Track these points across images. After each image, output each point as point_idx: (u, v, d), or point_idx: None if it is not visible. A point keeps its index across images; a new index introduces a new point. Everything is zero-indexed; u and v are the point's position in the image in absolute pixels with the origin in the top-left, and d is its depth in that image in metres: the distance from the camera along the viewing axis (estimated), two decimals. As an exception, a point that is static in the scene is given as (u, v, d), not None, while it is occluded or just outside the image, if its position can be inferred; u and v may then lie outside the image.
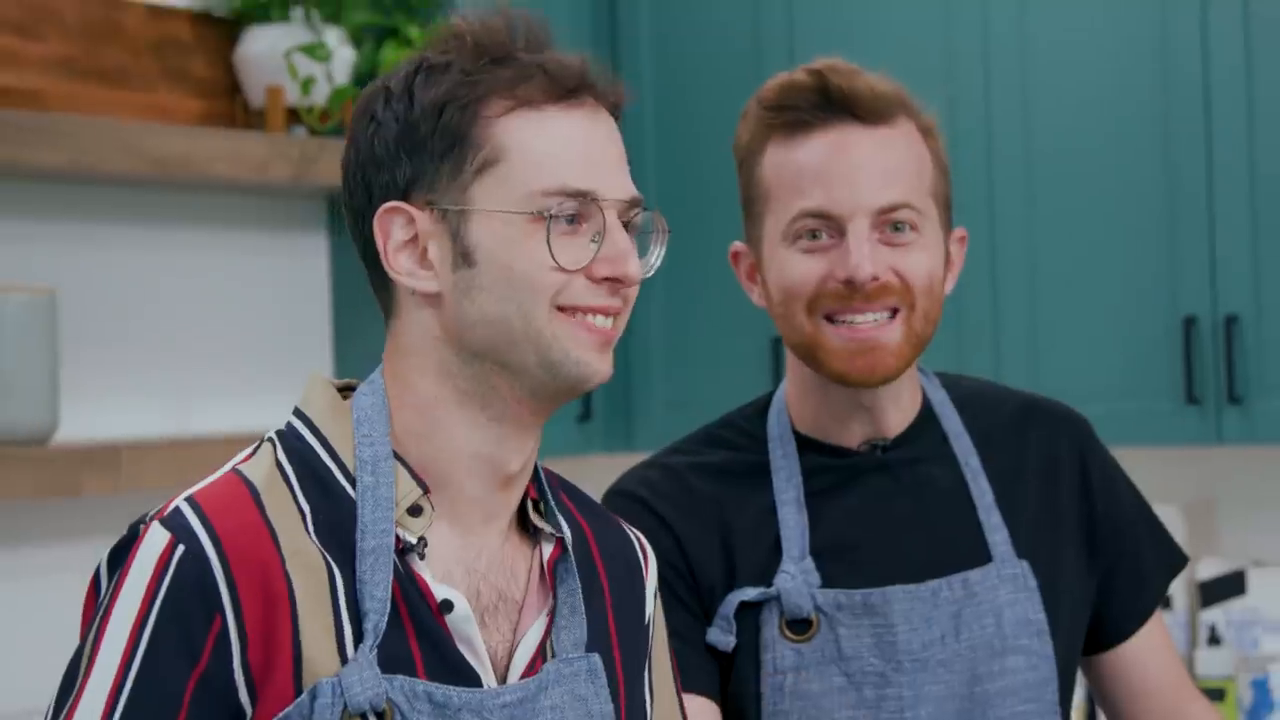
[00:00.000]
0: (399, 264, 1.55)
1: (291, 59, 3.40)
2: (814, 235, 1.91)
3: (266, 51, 3.43)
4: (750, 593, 1.93)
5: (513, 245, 1.52)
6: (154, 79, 3.38)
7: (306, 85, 3.40)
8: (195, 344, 3.41)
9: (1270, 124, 3.40)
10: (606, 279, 1.54)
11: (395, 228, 1.54)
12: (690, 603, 1.94)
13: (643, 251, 1.58)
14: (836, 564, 1.94)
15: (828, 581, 1.93)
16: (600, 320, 1.55)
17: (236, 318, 3.49)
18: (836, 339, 1.91)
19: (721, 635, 1.93)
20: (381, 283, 1.58)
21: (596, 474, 2.16)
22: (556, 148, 1.53)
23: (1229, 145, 3.42)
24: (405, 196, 1.54)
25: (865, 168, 1.90)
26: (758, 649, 1.93)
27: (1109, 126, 3.52)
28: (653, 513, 1.95)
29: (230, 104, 3.51)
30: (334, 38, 3.48)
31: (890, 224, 1.91)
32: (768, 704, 1.92)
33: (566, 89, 1.55)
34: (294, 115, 3.46)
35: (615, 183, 1.55)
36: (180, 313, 3.39)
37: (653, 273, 1.59)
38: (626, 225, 1.56)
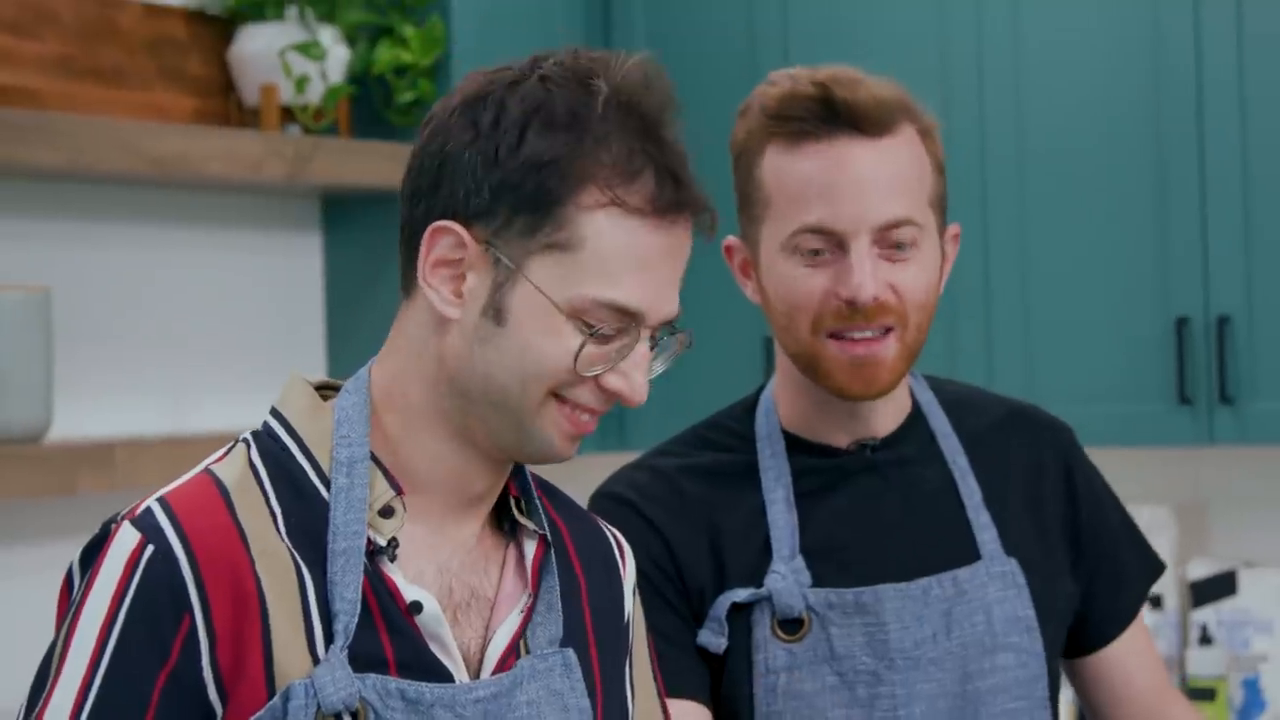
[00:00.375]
0: (433, 278, 1.53)
1: (286, 58, 3.41)
2: (815, 250, 1.91)
3: (261, 50, 3.44)
4: (741, 594, 1.93)
5: (543, 331, 1.51)
6: (149, 78, 3.39)
7: (301, 84, 3.41)
8: (190, 342, 3.42)
9: (1262, 124, 3.41)
10: (610, 391, 1.54)
11: (444, 245, 1.53)
12: (679, 606, 1.94)
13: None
14: (827, 563, 1.94)
15: (818, 581, 1.93)
16: (585, 417, 1.56)
17: (231, 316, 3.50)
18: (838, 354, 1.91)
19: (713, 637, 1.93)
20: (410, 267, 1.56)
21: (588, 473, 2.16)
22: (628, 263, 1.51)
23: (1221, 145, 3.43)
24: (467, 219, 1.52)
25: (868, 184, 1.89)
26: (749, 650, 1.93)
27: (1102, 127, 3.53)
28: (641, 516, 1.95)
29: (225, 102, 3.51)
30: (328, 36, 3.48)
31: (891, 240, 1.90)
32: (761, 705, 1.92)
33: (666, 203, 1.52)
34: (288, 114, 3.47)
35: (664, 306, 1.54)
36: (175, 311, 3.39)
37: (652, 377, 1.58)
38: (653, 338, 1.56)
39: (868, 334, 1.90)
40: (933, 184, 1.95)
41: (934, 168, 1.95)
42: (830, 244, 1.90)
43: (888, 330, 1.91)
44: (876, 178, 1.89)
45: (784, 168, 1.92)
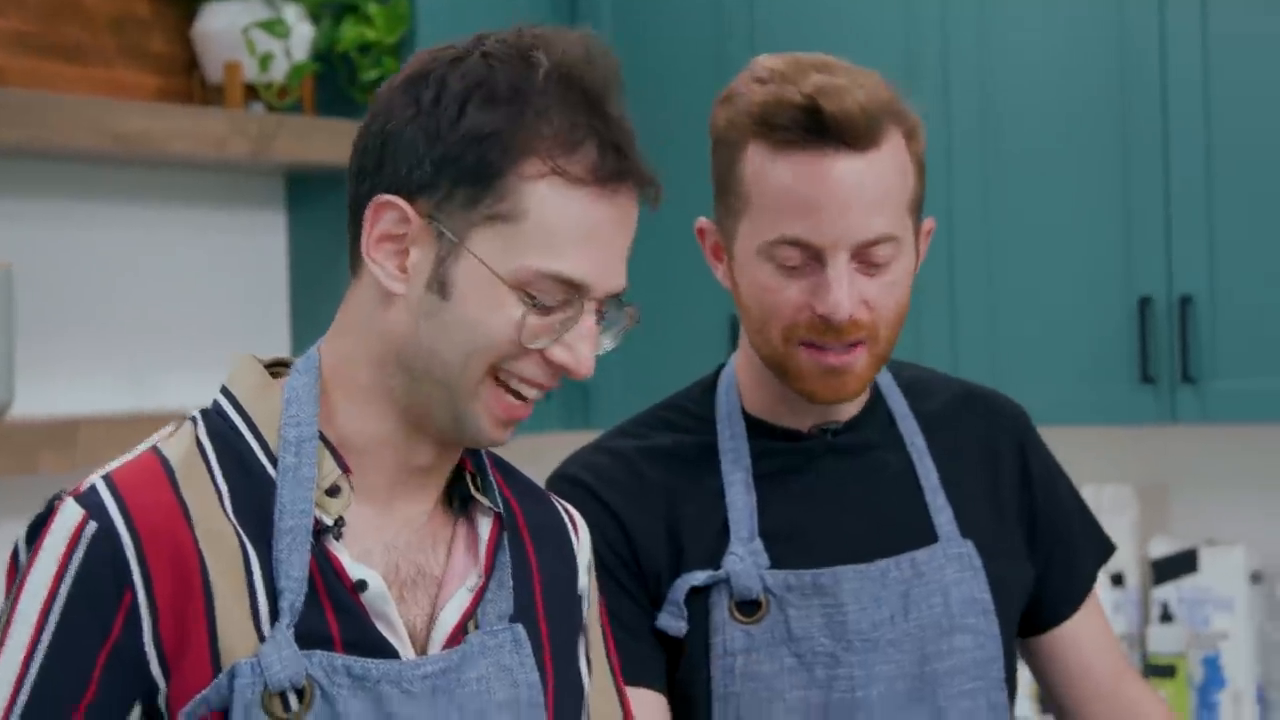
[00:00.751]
0: (377, 253, 1.54)
1: (250, 35, 3.40)
2: (793, 262, 1.88)
3: (225, 27, 3.43)
4: (699, 576, 1.92)
5: (487, 305, 1.51)
6: (112, 55, 3.38)
7: (265, 61, 3.40)
8: (153, 320, 3.41)
9: (1226, 106, 3.42)
10: (556, 364, 1.54)
11: (387, 220, 1.53)
12: (636, 592, 1.93)
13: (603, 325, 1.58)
14: (785, 546, 1.94)
15: (776, 563, 1.93)
16: (528, 391, 1.55)
17: (194, 294, 3.49)
18: (808, 362, 1.90)
19: (672, 620, 1.93)
20: (358, 245, 1.57)
21: (553, 452, 2.17)
22: (571, 234, 1.51)
23: (1185, 127, 3.44)
24: (410, 194, 1.52)
25: (851, 200, 1.86)
26: (707, 633, 1.93)
27: (1066, 108, 3.54)
28: (597, 499, 1.95)
29: (188, 80, 3.50)
30: (292, 14, 3.47)
31: (870, 256, 1.88)
32: (718, 687, 1.92)
33: (608, 173, 1.52)
34: (252, 91, 3.46)
35: (610, 278, 1.54)
36: (138, 289, 3.38)
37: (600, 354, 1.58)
38: (599, 311, 1.56)
39: (839, 347, 1.90)
40: (914, 186, 1.92)
41: (915, 168, 1.92)
42: (808, 256, 1.88)
43: (859, 343, 1.91)
44: (860, 193, 1.86)
45: (766, 171, 1.89)
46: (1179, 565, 3.72)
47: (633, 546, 1.94)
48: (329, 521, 1.53)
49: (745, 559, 1.93)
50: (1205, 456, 3.81)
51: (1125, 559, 3.72)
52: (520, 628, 1.60)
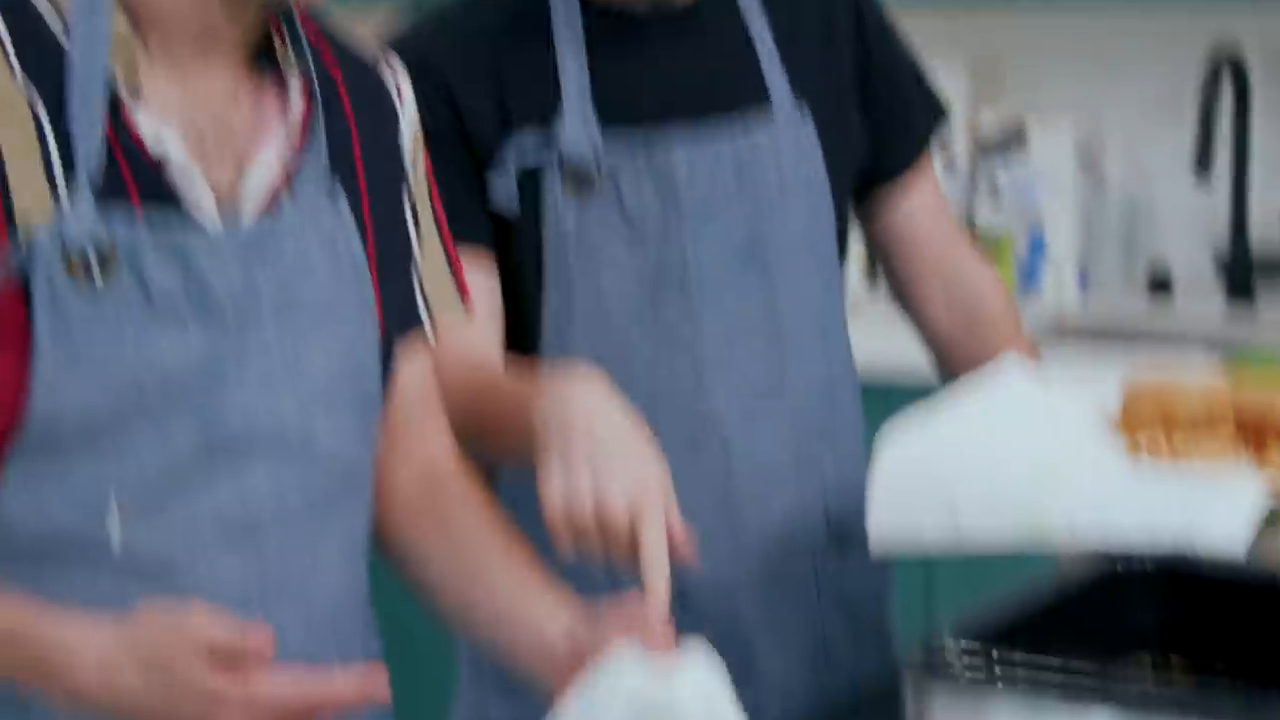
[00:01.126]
0: None
1: None
2: None
3: None
4: (528, 140, 1.90)
5: None
6: None
7: None
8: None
9: None
10: None
11: None
12: (462, 159, 1.90)
13: None
14: (615, 106, 1.91)
15: (606, 122, 1.90)
16: None
17: None
18: None
19: (502, 195, 1.90)
20: None
21: (383, 17, 2.10)
22: None
23: None
24: None
25: None
26: (539, 210, 1.90)
27: None
28: (422, 65, 1.87)
29: None
30: None
31: None
32: (550, 262, 1.91)
33: None
34: None
35: None
36: None
37: None
38: None
39: None
40: None
41: None
42: None
43: None
44: None
45: None
46: (1008, 141, 3.75)
47: (459, 110, 1.90)
48: (124, 83, 1.47)
49: (576, 126, 1.89)
50: (1039, 32, 3.82)
51: (955, 136, 3.74)
52: (340, 193, 1.56)
